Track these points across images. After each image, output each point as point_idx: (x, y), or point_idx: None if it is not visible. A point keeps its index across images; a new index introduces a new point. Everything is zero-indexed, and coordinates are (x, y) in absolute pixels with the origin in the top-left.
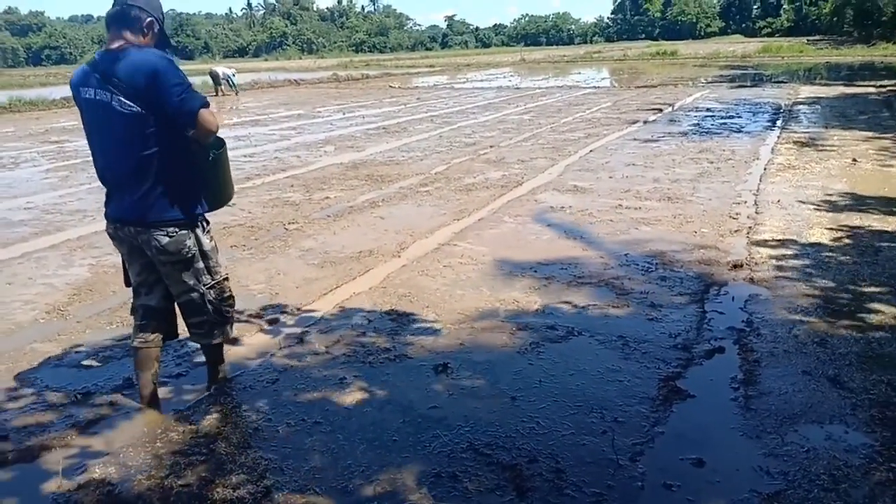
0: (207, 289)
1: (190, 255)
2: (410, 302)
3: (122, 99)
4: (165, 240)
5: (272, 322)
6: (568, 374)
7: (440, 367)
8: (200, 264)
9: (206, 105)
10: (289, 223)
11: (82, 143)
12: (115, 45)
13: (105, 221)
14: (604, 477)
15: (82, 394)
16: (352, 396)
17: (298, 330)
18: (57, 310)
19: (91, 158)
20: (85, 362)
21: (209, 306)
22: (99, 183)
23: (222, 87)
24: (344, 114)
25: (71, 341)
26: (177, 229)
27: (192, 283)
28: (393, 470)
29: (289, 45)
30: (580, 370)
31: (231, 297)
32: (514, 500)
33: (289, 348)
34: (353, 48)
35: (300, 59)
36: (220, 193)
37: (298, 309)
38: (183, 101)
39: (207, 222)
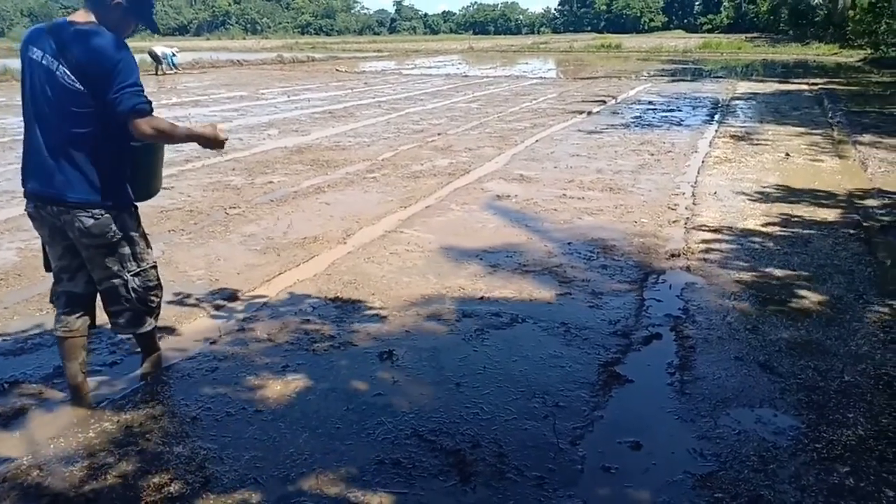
0: (132, 276)
1: (115, 239)
2: (356, 289)
3: (68, 72)
4: (90, 221)
5: (212, 309)
6: (511, 360)
7: (385, 355)
8: (126, 250)
9: (144, 113)
10: (230, 207)
11: (10, 120)
12: (81, 19)
13: (25, 200)
14: (545, 460)
15: (9, 383)
16: (294, 384)
17: (239, 317)
18: None
19: (22, 130)
20: None
21: (132, 294)
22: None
23: (163, 66)
24: (289, 97)
25: None
26: (102, 212)
27: (115, 268)
28: (336, 458)
29: (232, 25)
30: (523, 356)
31: (158, 286)
32: (458, 484)
33: (229, 336)
34: (299, 30)
35: (243, 39)
36: (147, 186)
37: (240, 295)
38: (123, 100)
39: (135, 207)
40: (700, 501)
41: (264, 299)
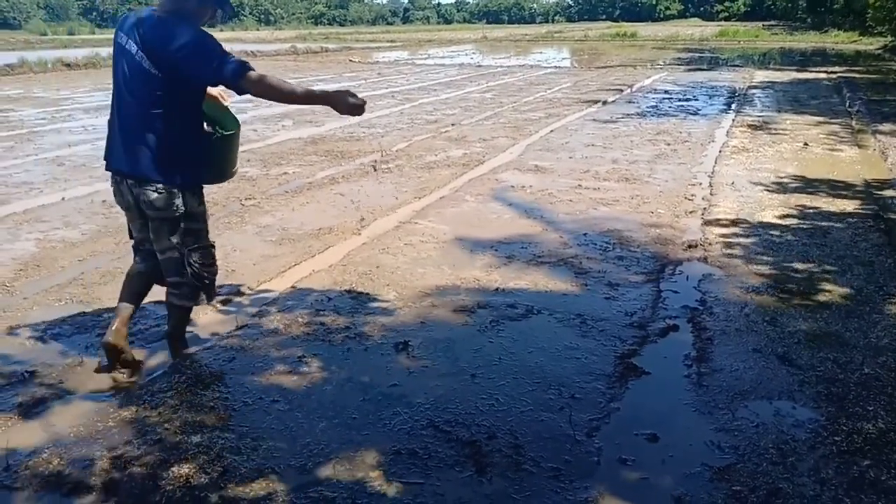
0: (189, 251)
1: (177, 214)
2: (371, 280)
3: (145, 57)
4: (154, 195)
5: (228, 300)
6: (527, 351)
7: (400, 346)
8: (187, 225)
9: (246, 71)
10: (245, 199)
11: (28, 112)
12: (162, 7)
13: (110, 175)
14: (561, 452)
15: (29, 372)
16: (311, 375)
17: (256, 308)
18: (2, 285)
19: (35, 121)
20: None
21: (188, 269)
22: (46, 155)
23: None
24: None
25: (17, 318)
26: (168, 187)
27: (175, 242)
28: (352, 448)
29: (245, 16)
30: (539, 348)
31: (214, 264)
32: (474, 475)
33: (246, 327)
34: (312, 20)
35: (257, 30)
36: (222, 171)
37: (256, 287)
38: (224, 69)
39: (201, 188)
40: (718, 494)
41: (280, 290)
